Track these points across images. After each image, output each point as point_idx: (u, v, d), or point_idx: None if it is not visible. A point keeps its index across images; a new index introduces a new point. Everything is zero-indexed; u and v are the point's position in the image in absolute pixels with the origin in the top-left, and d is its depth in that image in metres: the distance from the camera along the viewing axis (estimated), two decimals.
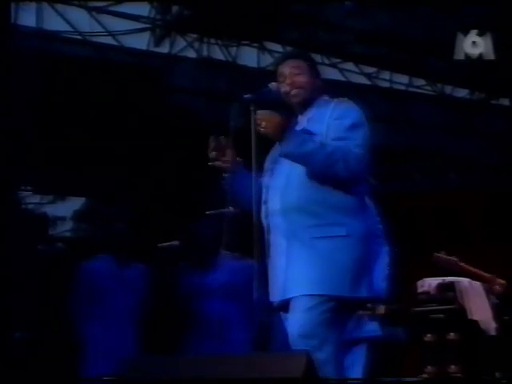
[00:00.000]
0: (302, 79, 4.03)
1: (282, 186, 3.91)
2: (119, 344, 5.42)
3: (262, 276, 3.89)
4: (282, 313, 3.95)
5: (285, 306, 3.89)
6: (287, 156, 3.84)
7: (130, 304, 5.60)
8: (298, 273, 3.79)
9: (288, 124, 3.85)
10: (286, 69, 4.08)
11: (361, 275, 3.82)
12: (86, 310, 5.58)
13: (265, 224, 3.94)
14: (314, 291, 3.75)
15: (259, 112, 3.87)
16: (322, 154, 3.77)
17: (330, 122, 3.91)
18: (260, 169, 4.05)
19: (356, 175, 3.84)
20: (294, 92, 4.02)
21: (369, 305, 4.50)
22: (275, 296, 3.91)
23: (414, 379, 6.93)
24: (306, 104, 4.05)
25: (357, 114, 3.94)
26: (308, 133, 3.92)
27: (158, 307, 5.73)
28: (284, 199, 3.88)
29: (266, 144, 4.10)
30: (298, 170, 3.88)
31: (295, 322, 3.78)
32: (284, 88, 4.04)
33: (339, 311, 3.79)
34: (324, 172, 3.81)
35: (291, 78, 4.04)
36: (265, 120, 3.84)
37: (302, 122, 4.04)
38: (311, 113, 4.03)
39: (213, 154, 4.05)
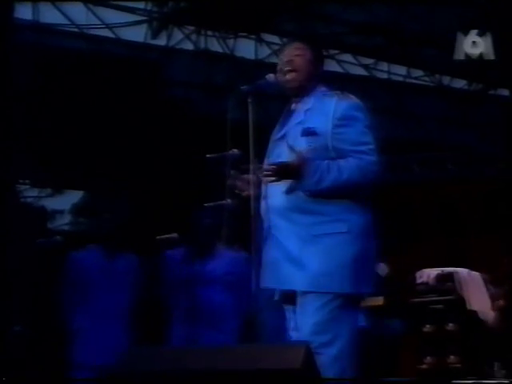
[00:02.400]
0: (300, 61, 3.97)
1: (282, 184, 3.88)
2: (108, 335, 5.43)
3: (259, 269, 3.90)
4: (284, 305, 3.94)
5: (288, 299, 3.89)
6: (307, 192, 3.84)
7: (119, 295, 5.59)
8: (301, 268, 3.79)
9: (303, 163, 3.78)
10: (288, 49, 4.04)
11: (362, 271, 3.81)
12: (75, 301, 5.58)
13: (264, 219, 3.93)
14: (321, 288, 3.75)
15: (270, 167, 3.81)
16: (341, 183, 3.77)
17: (335, 123, 3.84)
18: (258, 160, 4.03)
19: (375, 181, 3.84)
20: (289, 76, 3.96)
21: None
22: (275, 284, 3.89)
23: (415, 379, 6.94)
24: (301, 90, 3.98)
25: (363, 113, 3.89)
26: (309, 132, 3.86)
27: (149, 299, 5.73)
28: (285, 197, 3.87)
29: (263, 136, 4.09)
30: None
31: (306, 321, 3.77)
32: (281, 66, 3.99)
33: (347, 307, 3.79)
34: (345, 192, 3.83)
35: (290, 57, 3.99)
36: (277, 174, 3.79)
37: (299, 112, 3.97)
38: (309, 103, 3.95)
39: (235, 184, 4.00)
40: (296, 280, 3.80)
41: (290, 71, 3.98)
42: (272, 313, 4.15)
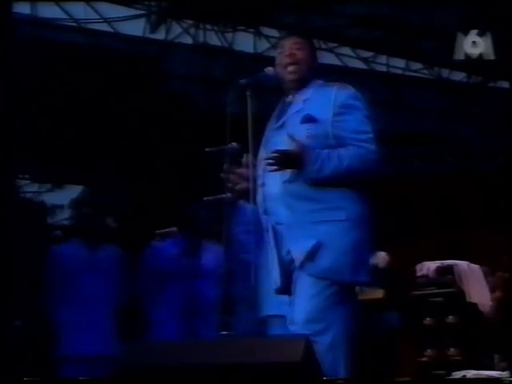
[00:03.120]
0: (301, 54, 4.02)
1: (281, 172, 3.89)
2: (93, 326, 5.47)
3: (258, 263, 3.91)
4: (285, 296, 3.95)
5: (285, 289, 3.90)
6: (308, 180, 3.83)
7: (102, 286, 5.62)
8: (300, 257, 3.80)
9: (303, 151, 3.79)
10: (288, 42, 4.08)
11: (359, 259, 3.82)
12: (59, 294, 5.61)
13: (262, 208, 3.94)
14: (319, 274, 3.77)
15: (272, 155, 3.81)
16: (342, 171, 3.80)
17: (336, 111, 3.88)
18: (253, 152, 4.03)
19: (375, 169, 3.89)
20: (291, 68, 3.99)
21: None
22: (277, 281, 3.90)
23: (415, 379, 6.94)
24: (302, 82, 4.00)
25: (362, 103, 3.94)
26: (310, 118, 3.89)
27: (133, 292, 5.76)
28: (283, 184, 3.87)
29: (262, 129, 4.10)
30: None
31: (301, 309, 3.79)
32: (282, 59, 4.02)
33: (343, 295, 3.81)
34: (346, 180, 3.85)
35: (291, 50, 4.03)
36: (279, 162, 3.80)
37: (297, 102, 3.99)
38: (307, 94, 3.98)
39: (231, 176, 4.03)
40: (299, 270, 3.80)
41: (292, 64, 4.01)
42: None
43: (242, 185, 3.99)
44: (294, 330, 3.79)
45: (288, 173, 3.85)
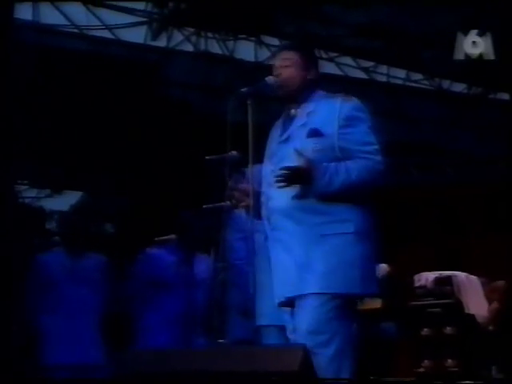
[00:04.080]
0: (288, 72, 3.99)
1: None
2: (77, 334, 5.47)
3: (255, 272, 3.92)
4: (289, 309, 3.93)
5: (287, 302, 3.89)
6: (318, 195, 3.83)
7: (86, 295, 5.62)
8: (308, 270, 3.78)
9: (312, 167, 3.80)
10: (277, 61, 4.05)
11: (368, 271, 3.83)
12: (42, 302, 5.62)
13: (267, 223, 3.94)
14: (324, 289, 3.76)
15: (281, 172, 3.81)
16: (350, 183, 3.81)
17: (341, 124, 3.88)
18: (257, 162, 4.03)
19: (382, 180, 3.90)
20: (280, 90, 3.96)
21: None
22: (284, 293, 3.89)
23: (413, 379, 6.94)
24: (298, 97, 3.98)
25: (366, 114, 3.95)
26: (316, 133, 3.89)
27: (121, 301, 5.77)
28: (291, 198, 3.85)
29: (263, 138, 4.10)
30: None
31: (303, 319, 3.78)
32: (273, 80, 3.99)
33: (347, 308, 3.80)
34: (354, 193, 3.86)
35: (279, 70, 4.01)
36: (288, 178, 3.80)
37: (301, 115, 3.98)
38: (310, 107, 3.97)
39: (233, 194, 4.05)
40: (306, 284, 3.79)
41: (281, 85, 4.00)
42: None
43: (246, 202, 4.00)
44: (295, 339, 3.78)
45: (296, 187, 3.84)
